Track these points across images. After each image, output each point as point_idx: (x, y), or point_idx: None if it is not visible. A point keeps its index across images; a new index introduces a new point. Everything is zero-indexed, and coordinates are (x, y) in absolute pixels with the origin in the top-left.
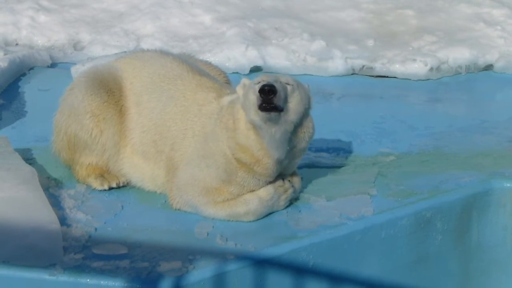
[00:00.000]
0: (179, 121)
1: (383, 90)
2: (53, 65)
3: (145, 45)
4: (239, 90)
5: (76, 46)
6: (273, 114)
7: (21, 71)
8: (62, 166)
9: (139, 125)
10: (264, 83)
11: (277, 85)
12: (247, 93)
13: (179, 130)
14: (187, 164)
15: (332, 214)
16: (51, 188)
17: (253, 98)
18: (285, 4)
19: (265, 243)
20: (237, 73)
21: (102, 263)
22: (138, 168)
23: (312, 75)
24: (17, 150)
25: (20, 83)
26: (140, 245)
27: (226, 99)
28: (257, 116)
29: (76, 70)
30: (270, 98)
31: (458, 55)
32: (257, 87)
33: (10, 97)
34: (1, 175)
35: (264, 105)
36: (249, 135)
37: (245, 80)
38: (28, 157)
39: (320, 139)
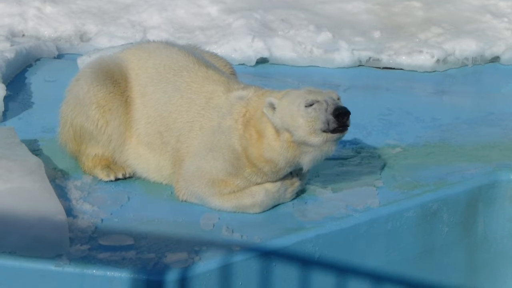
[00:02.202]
0: (185, 113)
1: (389, 82)
2: (59, 56)
3: (152, 36)
4: (269, 111)
5: (83, 37)
6: (342, 134)
7: (27, 62)
8: (69, 157)
9: (144, 115)
10: (334, 105)
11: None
12: (294, 114)
13: (185, 122)
14: (193, 156)
15: (338, 205)
16: (58, 179)
17: (312, 120)
18: None
19: (271, 234)
20: (243, 64)
21: (108, 254)
22: (143, 158)
23: (318, 66)
24: (23, 141)
25: (26, 74)
26: (146, 236)
27: (236, 94)
28: (318, 137)
29: (83, 61)
30: (345, 121)
31: (465, 47)
32: (330, 110)
33: (16, 88)
34: (8, 166)
35: (340, 128)
36: (279, 150)
37: (272, 100)
38: (34, 148)
39: None
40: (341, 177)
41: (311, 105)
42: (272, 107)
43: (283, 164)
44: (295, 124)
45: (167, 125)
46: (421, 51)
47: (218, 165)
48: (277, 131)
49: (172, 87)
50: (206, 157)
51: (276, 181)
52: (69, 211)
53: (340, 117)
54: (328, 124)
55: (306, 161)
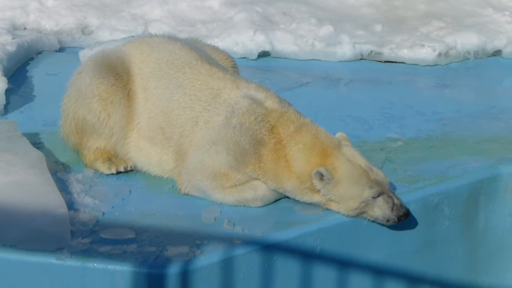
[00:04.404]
0: (189, 109)
1: (391, 76)
2: (61, 50)
3: (153, 29)
4: (318, 182)
5: (84, 30)
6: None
7: (29, 55)
8: (70, 150)
9: (146, 110)
10: (399, 208)
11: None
12: (355, 198)
13: (189, 118)
14: (196, 149)
15: None
16: (59, 172)
17: (377, 213)
18: None
19: (273, 228)
20: (245, 58)
21: (110, 247)
22: (144, 152)
23: (320, 60)
24: (25, 134)
25: (28, 68)
26: (147, 229)
27: (247, 93)
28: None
29: (84, 55)
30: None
31: (466, 41)
32: (396, 212)
33: (18, 82)
34: (9, 159)
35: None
36: (301, 193)
37: (323, 172)
38: (36, 142)
39: (328, 124)
40: None
41: (377, 196)
42: (321, 176)
43: (291, 197)
44: (352, 205)
45: (169, 121)
46: (422, 45)
47: (221, 159)
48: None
49: (174, 83)
50: (209, 151)
51: None
52: (70, 205)
53: (402, 219)
54: (387, 221)
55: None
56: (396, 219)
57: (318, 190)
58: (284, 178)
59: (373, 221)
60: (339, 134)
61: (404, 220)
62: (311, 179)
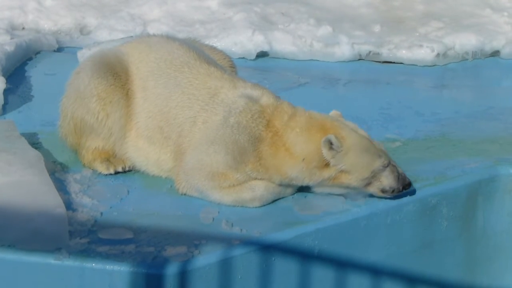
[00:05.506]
0: (187, 109)
1: (389, 76)
2: (59, 50)
3: (152, 29)
4: (327, 150)
5: (83, 30)
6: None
7: (27, 55)
8: (68, 150)
9: (144, 110)
10: (404, 178)
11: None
12: (366, 167)
13: (187, 118)
14: (194, 149)
15: (337, 199)
16: (57, 172)
17: (383, 182)
18: None
19: (271, 228)
20: (243, 58)
21: (108, 247)
22: (143, 152)
23: (318, 60)
24: (23, 134)
25: (26, 67)
26: (145, 229)
27: (244, 92)
28: (369, 189)
29: (83, 55)
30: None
31: (465, 41)
32: (401, 182)
33: (16, 81)
34: (7, 159)
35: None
36: (309, 176)
37: (333, 139)
38: (34, 141)
39: None
40: None
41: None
42: (331, 144)
43: (299, 183)
44: (363, 174)
45: (168, 121)
46: (421, 45)
47: (219, 158)
48: (325, 163)
49: (173, 82)
50: (207, 150)
51: None
52: (68, 205)
53: (406, 188)
54: (392, 191)
55: (322, 189)
56: (401, 188)
57: (328, 163)
58: (288, 167)
59: (373, 195)
60: (333, 112)
61: (407, 189)
62: (317, 157)
